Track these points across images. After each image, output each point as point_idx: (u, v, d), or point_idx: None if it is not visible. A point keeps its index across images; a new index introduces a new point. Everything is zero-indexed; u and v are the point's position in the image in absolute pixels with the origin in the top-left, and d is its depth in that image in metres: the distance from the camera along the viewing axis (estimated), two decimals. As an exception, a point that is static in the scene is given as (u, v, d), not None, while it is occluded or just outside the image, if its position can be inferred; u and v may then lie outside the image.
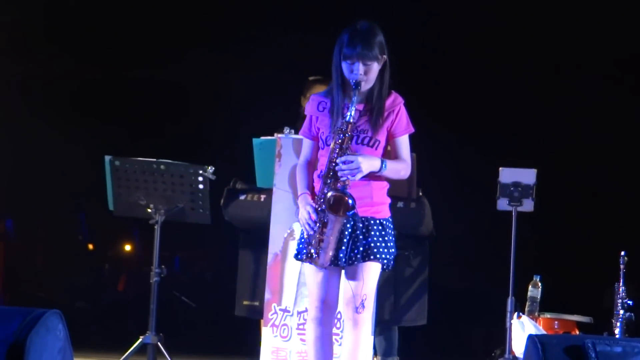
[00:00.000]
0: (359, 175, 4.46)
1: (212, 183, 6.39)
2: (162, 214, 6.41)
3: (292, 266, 5.87)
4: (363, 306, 4.51)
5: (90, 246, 13.13)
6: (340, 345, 5.19)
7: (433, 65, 8.72)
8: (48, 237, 12.44)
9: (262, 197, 6.37)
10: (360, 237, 4.51)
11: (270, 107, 6.58)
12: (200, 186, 6.39)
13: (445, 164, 8.21)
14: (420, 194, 6.21)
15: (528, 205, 6.76)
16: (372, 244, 4.50)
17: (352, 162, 4.43)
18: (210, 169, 6.35)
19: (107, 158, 6.48)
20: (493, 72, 8.65)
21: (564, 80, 8.67)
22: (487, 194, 6.90)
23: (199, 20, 9.47)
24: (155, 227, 6.44)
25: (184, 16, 9.55)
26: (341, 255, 4.47)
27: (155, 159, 6.45)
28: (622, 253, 6.34)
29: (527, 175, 6.74)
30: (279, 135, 6.10)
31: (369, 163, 4.47)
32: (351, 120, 4.44)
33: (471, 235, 8.42)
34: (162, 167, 6.41)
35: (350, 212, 4.40)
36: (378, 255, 4.51)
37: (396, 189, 5.72)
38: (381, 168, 4.50)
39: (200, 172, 6.36)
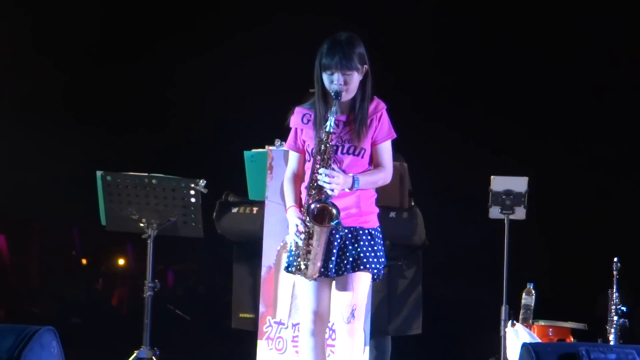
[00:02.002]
0: (337, 191, 4.45)
1: (204, 196, 6.38)
2: (154, 228, 6.41)
3: (286, 278, 5.86)
4: (354, 316, 4.51)
5: (84, 261, 13.07)
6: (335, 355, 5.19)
7: (425, 74, 8.72)
8: (42, 252, 12.39)
9: (255, 209, 6.37)
10: (350, 247, 4.51)
11: (261, 119, 6.57)
12: (192, 200, 6.39)
13: (437, 173, 8.21)
14: (413, 203, 6.21)
15: (520, 213, 6.76)
16: (362, 254, 4.50)
17: (334, 177, 4.43)
18: (202, 182, 6.34)
19: (99, 173, 6.48)
20: (485, 80, 8.66)
21: (555, 87, 8.67)
22: (479, 203, 6.91)
23: (190, 30, 9.46)
24: (148, 241, 6.44)
25: (173, 26, 9.53)
26: (331, 266, 4.48)
27: (146, 174, 6.45)
28: (615, 259, 6.35)
29: (519, 183, 6.75)
30: (270, 147, 6.11)
31: (344, 181, 4.46)
32: (331, 131, 4.44)
33: (464, 244, 8.41)
34: (153, 181, 6.40)
35: (335, 222, 4.39)
36: (368, 265, 4.51)
37: (388, 199, 5.74)
38: (353, 186, 4.49)
39: (192, 185, 6.36)
